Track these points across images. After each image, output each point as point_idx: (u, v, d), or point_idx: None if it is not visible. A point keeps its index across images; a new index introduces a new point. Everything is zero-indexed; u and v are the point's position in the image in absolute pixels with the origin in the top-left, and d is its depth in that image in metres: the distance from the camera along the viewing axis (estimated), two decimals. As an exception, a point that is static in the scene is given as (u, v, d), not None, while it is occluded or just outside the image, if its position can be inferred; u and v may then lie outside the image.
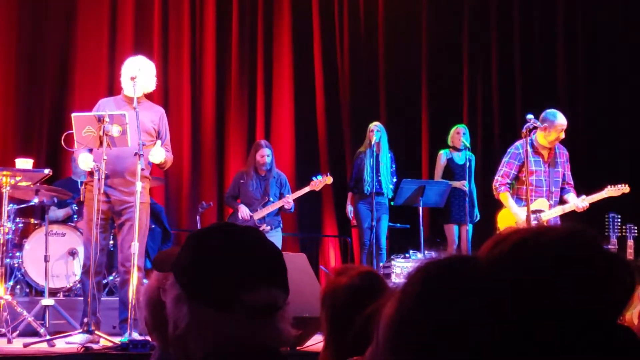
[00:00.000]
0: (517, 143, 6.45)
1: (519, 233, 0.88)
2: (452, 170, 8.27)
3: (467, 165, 8.04)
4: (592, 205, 6.81)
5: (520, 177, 6.39)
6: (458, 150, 8.32)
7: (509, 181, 6.44)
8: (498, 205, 7.51)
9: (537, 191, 6.42)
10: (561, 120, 6.39)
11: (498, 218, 6.64)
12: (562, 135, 6.43)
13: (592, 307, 0.83)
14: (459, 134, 8.29)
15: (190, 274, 1.44)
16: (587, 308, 0.83)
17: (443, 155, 8.38)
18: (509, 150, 6.53)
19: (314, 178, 7.94)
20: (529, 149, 6.31)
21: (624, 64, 10.17)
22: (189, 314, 1.40)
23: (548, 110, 6.50)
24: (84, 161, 5.54)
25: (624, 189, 6.65)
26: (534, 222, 6.21)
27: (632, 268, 0.86)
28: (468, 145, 8.09)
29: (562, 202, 6.60)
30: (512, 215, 6.42)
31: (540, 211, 6.41)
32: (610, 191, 6.63)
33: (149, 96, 6.14)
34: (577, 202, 6.48)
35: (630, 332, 0.85)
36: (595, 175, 9.27)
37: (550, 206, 6.48)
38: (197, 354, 1.42)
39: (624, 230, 7.37)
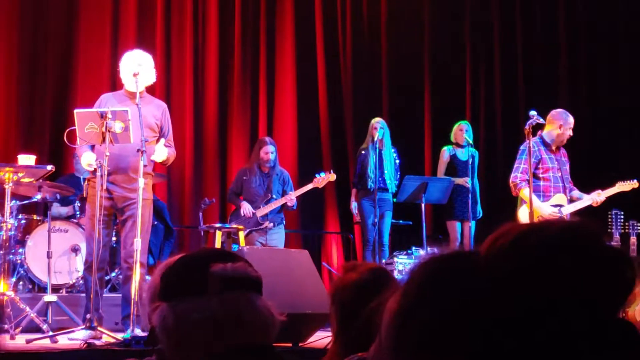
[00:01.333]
0: (533, 140, 6.48)
1: (520, 227, 0.88)
2: (455, 167, 8.26)
3: (470, 161, 8.03)
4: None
5: (536, 173, 6.47)
6: (461, 146, 8.31)
7: (527, 177, 6.44)
8: (501, 202, 7.51)
9: (554, 187, 6.53)
10: (571, 117, 6.62)
11: (519, 215, 6.57)
12: (568, 133, 6.61)
13: (593, 300, 0.83)
14: (462, 131, 8.28)
15: (163, 285, 1.49)
16: (588, 302, 0.83)
17: (446, 152, 8.37)
18: (522, 148, 6.56)
19: (317, 175, 7.93)
20: (542, 147, 6.51)
21: (625, 56, 10.13)
22: (172, 313, 1.43)
23: (559, 110, 6.68)
24: (86, 161, 5.54)
25: (633, 184, 6.80)
26: (555, 216, 6.26)
27: (633, 262, 0.86)
28: (471, 141, 8.09)
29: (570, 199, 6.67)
30: (533, 210, 6.37)
31: (560, 206, 6.49)
32: (621, 186, 6.77)
33: (151, 91, 6.13)
34: (594, 197, 6.61)
35: (631, 325, 0.85)
36: (596, 173, 9.25)
37: (568, 201, 6.56)
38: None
39: (626, 227, 7.39)
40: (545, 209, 6.39)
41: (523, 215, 6.49)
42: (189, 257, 1.51)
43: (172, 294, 1.45)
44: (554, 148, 6.61)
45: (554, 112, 6.67)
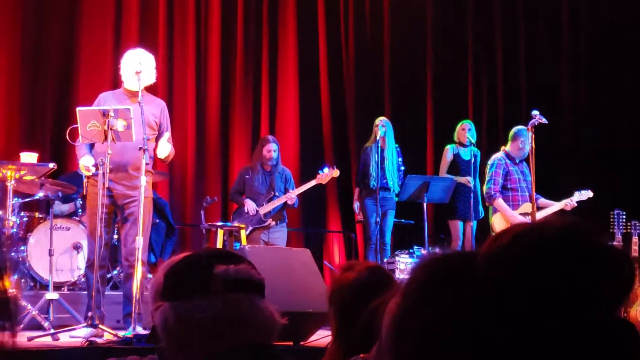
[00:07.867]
0: (498, 155, 7.33)
1: (519, 227, 0.88)
2: (458, 166, 8.25)
3: (473, 161, 8.02)
4: (598, 202, 7.39)
5: (505, 185, 7.23)
6: (464, 146, 8.30)
7: (500, 189, 7.20)
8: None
9: (522, 196, 7.25)
10: (527, 132, 7.13)
11: (494, 223, 7.24)
12: (528, 148, 7.12)
13: (591, 299, 0.83)
14: (464, 130, 8.28)
15: (166, 286, 1.48)
16: (587, 300, 0.83)
17: (449, 150, 8.36)
18: (491, 162, 7.30)
19: (320, 171, 7.93)
20: (508, 161, 7.25)
21: (624, 55, 10.10)
22: (174, 313, 1.43)
23: (519, 127, 7.35)
24: (83, 164, 5.54)
25: (588, 193, 7.36)
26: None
27: (631, 260, 0.85)
28: (474, 141, 8.05)
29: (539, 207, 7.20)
30: (506, 219, 7.07)
31: (527, 214, 7.03)
32: (578, 195, 7.35)
33: (152, 89, 6.13)
34: (566, 201, 7.29)
35: (630, 324, 0.85)
36: (596, 172, 9.24)
37: (537, 209, 7.08)
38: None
39: (629, 227, 7.40)
40: (518, 218, 7.05)
41: (497, 222, 7.17)
42: (192, 257, 1.50)
43: (175, 294, 1.45)
44: (517, 161, 7.30)
45: (515, 129, 7.35)
